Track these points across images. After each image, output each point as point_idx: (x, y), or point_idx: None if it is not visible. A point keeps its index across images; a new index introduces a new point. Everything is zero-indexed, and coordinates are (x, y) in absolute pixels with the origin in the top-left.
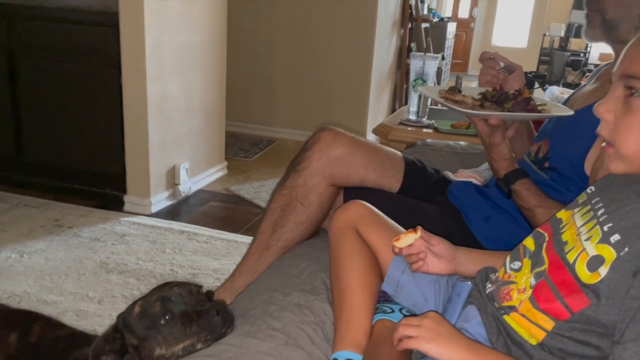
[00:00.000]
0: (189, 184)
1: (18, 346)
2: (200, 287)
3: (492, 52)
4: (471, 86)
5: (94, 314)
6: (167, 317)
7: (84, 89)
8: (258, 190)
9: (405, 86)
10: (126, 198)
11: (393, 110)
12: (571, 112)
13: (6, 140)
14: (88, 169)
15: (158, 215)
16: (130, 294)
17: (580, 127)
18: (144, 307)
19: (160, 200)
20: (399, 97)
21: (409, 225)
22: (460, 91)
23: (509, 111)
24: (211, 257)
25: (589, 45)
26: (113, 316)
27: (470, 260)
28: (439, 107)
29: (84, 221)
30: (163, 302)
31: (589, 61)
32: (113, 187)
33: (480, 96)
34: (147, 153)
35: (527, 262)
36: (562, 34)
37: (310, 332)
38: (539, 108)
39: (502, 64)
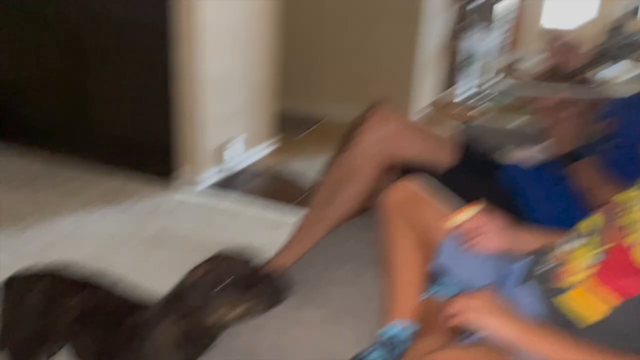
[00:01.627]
0: (239, 159)
1: (81, 308)
2: (253, 256)
3: (555, 29)
4: (529, 64)
5: (148, 281)
6: (220, 285)
7: (138, 63)
8: (307, 167)
9: (453, 67)
10: (178, 172)
11: (440, 91)
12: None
13: (69, 112)
14: (143, 142)
15: (209, 189)
16: (185, 263)
17: None
18: (197, 276)
19: (211, 174)
20: (446, 78)
21: (462, 204)
22: (519, 68)
23: (572, 89)
24: (261, 230)
25: None
26: (169, 284)
27: (527, 239)
28: (493, 86)
29: (139, 193)
30: (215, 272)
31: None
32: (166, 161)
33: (541, 74)
34: (200, 127)
35: (584, 242)
36: (620, 14)
37: (362, 304)
38: (603, 86)
39: (564, 40)
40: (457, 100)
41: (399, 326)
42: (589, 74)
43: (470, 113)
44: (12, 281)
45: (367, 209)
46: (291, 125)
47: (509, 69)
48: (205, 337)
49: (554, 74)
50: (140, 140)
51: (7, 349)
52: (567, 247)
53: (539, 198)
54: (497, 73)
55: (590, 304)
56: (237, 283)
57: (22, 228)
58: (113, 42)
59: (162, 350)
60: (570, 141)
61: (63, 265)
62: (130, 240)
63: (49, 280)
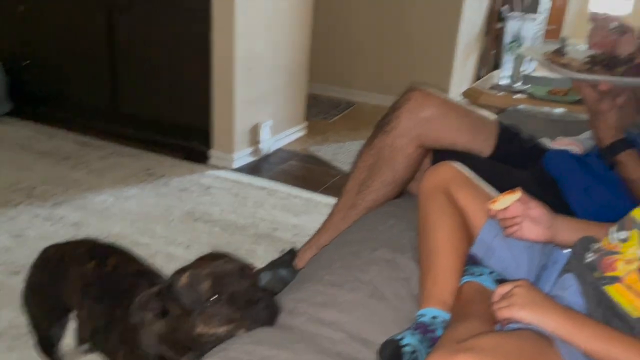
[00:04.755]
0: (270, 142)
1: (94, 273)
2: (254, 269)
3: (603, 12)
4: (576, 49)
5: (181, 258)
6: (213, 298)
7: (175, 45)
8: (336, 151)
9: (494, 51)
10: (211, 152)
11: (479, 76)
12: None
13: (103, 93)
14: (177, 123)
15: (241, 170)
16: (215, 242)
17: None
18: (193, 279)
19: (243, 156)
20: (486, 63)
21: (500, 192)
22: (565, 54)
23: (621, 76)
24: (290, 214)
25: None
26: None
27: (569, 229)
28: (533, 72)
29: (173, 172)
30: (214, 281)
31: None
32: (200, 141)
33: (588, 59)
34: (233, 109)
35: (635, 233)
36: None
37: (396, 287)
38: None
39: (614, 24)
40: (500, 84)
41: (435, 311)
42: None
43: (514, 98)
44: (46, 250)
45: (404, 193)
46: (323, 110)
47: (554, 55)
48: (189, 342)
49: (602, 61)
50: (174, 121)
51: (28, 311)
52: (620, 235)
53: (583, 187)
54: (542, 58)
55: (632, 298)
56: (232, 299)
57: (54, 204)
58: (152, 24)
59: (145, 342)
60: (613, 131)
61: (85, 240)
62: (162, 219)
63: (60, 252)
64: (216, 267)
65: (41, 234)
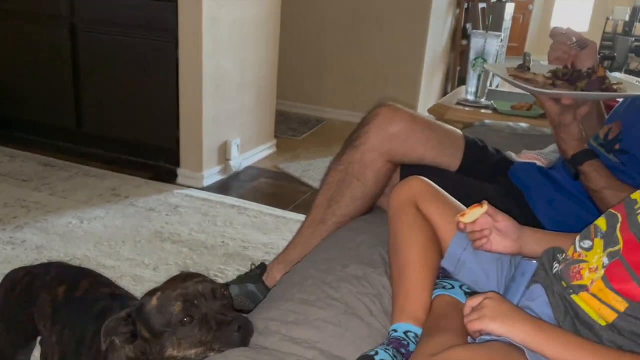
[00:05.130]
0: (239, 160)
1: (64, 298)
2: (227, 290)
3: (564, 27)
4: (538, 65)
5: (149, 280)
6: (185, 320)
7: (141, 62)
8: (306, 168)
9: (459, 68)
10: (179, 171)
11: (445, 92)
12: None
13: (67, 112)
14: (144, 142)
15: (209, 189)
16: (184, 262)
17: None
18: (163, 301)
19: (212, 174)
20: (452, 79)
21: (468, 205)
22: (529, 69)
23: (582, 90)
24: (261, 232)
25: None
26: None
27: (536, 241)
28: (498, 88)
29: (140, 192)
30: (185, 303)
31: None
32: (167, 160)
33: (551, 74)
34: (201, 128)
35: (599, 241)
36: (627, 18)
37: (368, 304)
38: (615, 87)
39: (574, 39)
40: (466, 99)
41: (408, 326)
42: (602, 73)
43: (480, 113)
44: (14, 273)
45: (373, 208)
46: (293, 127)
47: (517, 71)
48: None
49: (564, 75)
50: (141, 140)
51: None
52: (584, 244)
53: (548, 199)
54: (506, 75)
55: (598, 307)
56: (204, 321)
57: (15, 227)
58: (117, 42)
59: None
60: (577, 143)
61: (55, 263)
62: (129, 240)
63: (29, 276)
64: (187, 288)
65: (3, 258)
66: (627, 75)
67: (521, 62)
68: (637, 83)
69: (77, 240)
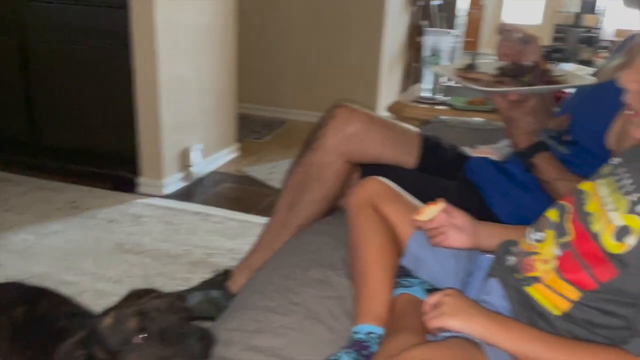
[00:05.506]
0: (201, 166)
1: (24, 318)
2: (185, 302)
3: (510, 23)
4: (486, 62)
5: (112, 293)
6: (142, 336)
7: (95, 70)
8: (270, 171)
9: (416, 64)
10: (140, 180)
11: (404, 88)
12: (593, 80)
13: (19, 124)
14: (101, 151)
15: (172, 196)
16: (147, 273)
17: (604, 100)
18: (118, 319)
19: (173, 181)
20: (410, 76)
21: (426, 202)
22: (476, 68)
23: (527, 85)
24: (226, 238)
25: (601, 21)
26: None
27: (491, 234)
28: (454, 84)
29: (99, 203)
30: (140, 318)
31: (602, 37)
32: (127, 169)
33: (497, 72)
34: (160, 134)
35: (550, 233)
36: (578, 9)
37: (330, 307)
38: (558, 79)
39: (519, 34)
40: (422, 96)
41: (370, 327)
42: (545, 67)
43: (436, 109)
44: None
45: (335, 209)
46: (255, 129)
47: (465, 71)
48: None
49: (510, 71)
50: (98, 150)
51: None
52: (536, 236)
53: (502, 192)
54: (454, 76)
55: (552, 297)
56: (162, 335)
57: None
58: (69, 51)
59: None
60: (528, 136)
61: (12, 283)
62: (90, 253)
63: None
64: (143, 304)
65: None
66: (578, 65)
67: (469, 62)
68: (580, 73)
69: (35, 256)
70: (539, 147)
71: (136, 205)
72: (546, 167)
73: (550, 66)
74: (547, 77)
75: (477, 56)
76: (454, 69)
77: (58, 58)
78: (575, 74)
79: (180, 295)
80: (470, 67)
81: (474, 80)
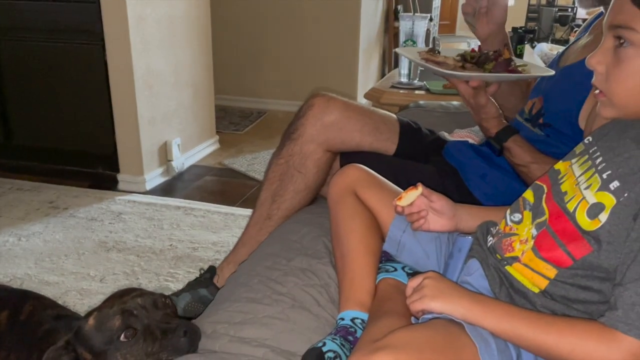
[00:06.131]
0: (181, 160)
1: (7, 323)
2: (168, 298)
3: None
4: (459, 48)
5: (96, 292)
6: (127, 333)
7: (69, 67)
8: (251, 162)
9: (394, 49)
10: (119, 176)
11: (383, 74)
12: (551, 72)
13: None
14: (79, 149)
15: (153, 192)
16: (132, 270)
17: (574, 81)
18: (101, 319)
19: (154, 177)
20: (388, 61)
21: (407, 187)
22: (439, 52)
23: (489, 72)
24: (209, 231)
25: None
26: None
27: (471, 216)
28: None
29: (79, 202)
30: (123, 315)
31: (577, 16)
32: (105, 166)
33: (459, 57)
34: (138, 130)
35: (527, 214)
36: None
37: (315, 295)
38: (520, 69)
39: None
40: (400, 82)
41: (354, 313)
42: (508, 56)
43: (414, 94)
44: None
45: (318, 197)
46: (234, 121)
47: (428, 54)
48: None
49: (472, 58)
50: (76, 148)
51: None
52: (514, 217)
53: (480, 174)
54: (417, 58)
55: (531, 276)
56: (147, 331)
57: None
58: (41, 49)
59: None
60: (496, 121)
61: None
62: (72, 253)
63: None
64: (126, 302)
65: None
66: (552, 45)
67: (431, 46)
68: (540, 65)
69: (15, 258)
70: (510, 131)
71: (117, 202)
72: (518, 150)
73: (512, 55)
74: (509, 66)
75: (439, 40)
76: (417, 52)
77: (30, 58)
78: (536, 65)
79: (163, 294)
80: (433, 51)
81: (438, 64)
